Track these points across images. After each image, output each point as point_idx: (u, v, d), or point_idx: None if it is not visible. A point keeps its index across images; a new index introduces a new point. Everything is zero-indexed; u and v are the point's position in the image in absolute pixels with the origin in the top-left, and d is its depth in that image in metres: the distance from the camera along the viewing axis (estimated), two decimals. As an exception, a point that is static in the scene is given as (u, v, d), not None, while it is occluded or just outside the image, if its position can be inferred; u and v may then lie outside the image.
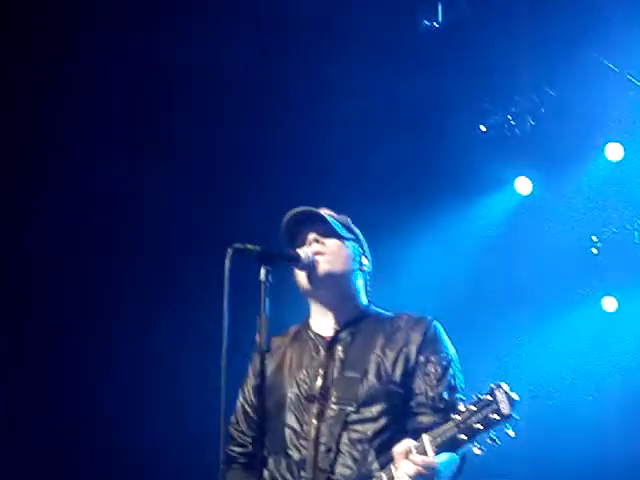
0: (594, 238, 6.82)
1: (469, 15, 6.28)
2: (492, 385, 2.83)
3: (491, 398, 2.80)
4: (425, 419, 3.21)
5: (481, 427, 2.80)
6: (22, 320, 6.35)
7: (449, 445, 2.88)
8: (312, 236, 3.42)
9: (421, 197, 6.72)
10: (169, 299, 6.40)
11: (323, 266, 3.37)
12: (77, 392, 6.35)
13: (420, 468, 2.92)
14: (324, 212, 3.49)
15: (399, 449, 2.98)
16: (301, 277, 3.43)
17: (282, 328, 3.61)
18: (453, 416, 2.86)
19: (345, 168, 6.60)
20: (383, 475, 3.05)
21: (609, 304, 6.85)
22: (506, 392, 2.80)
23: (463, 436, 2.83)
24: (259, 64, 6.29)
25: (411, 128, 6.62)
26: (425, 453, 2.91)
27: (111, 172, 6.34)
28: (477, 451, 2.86)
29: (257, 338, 3.09)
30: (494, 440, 2.83)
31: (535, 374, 6.42)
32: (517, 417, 2.79)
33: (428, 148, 6.71)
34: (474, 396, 2.86)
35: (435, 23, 5.99)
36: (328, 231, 3.43)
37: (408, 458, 2.94)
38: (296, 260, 3.37)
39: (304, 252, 3.38)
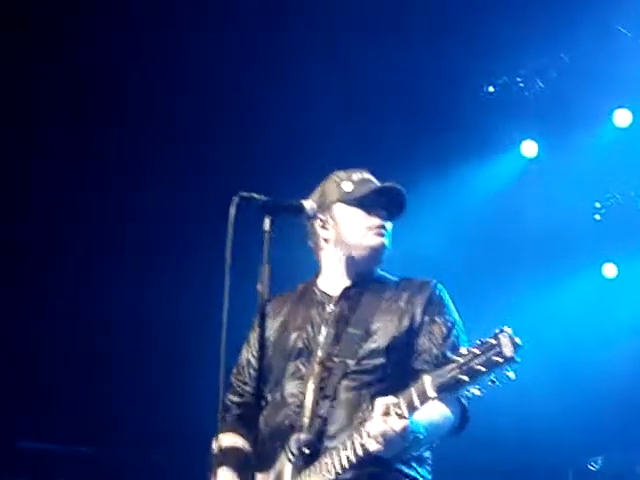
0: (597, 204, 6.81)
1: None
2: (496, 330, 2.84)
3: (495, 342, 2.81)
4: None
5: (483, 369, 2.81)
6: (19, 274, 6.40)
7: (450, 386, 2.89)
8: (384, 212, 3.46)
9: (427, 157, 6.70)
10: (174, 249, 6.44)
11: (384, 241, 3.45)
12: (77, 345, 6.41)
13: (389, 428, 2.95)
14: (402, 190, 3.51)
15: (380, 402, 3.01)
16: (353, 237, 3.45)
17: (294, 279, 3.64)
18: (456, 358, 2.88)
19: (355, 127, 6.59)
20: (363, 429, 3.06)
21: (609, 270, 6.88)
22: (510, 336, 2.81)
23: (465, 377, 2.84)
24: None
25: (420, 88, 6.59)
26: (425, 393, 2.93)
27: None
28: (476, 392, 2.87)
29: (259, 288, 3.10)
30: (494, 382, 2.84)
31: (535, 336, 6.43)
32: (519, 360, 2.80)
33: (435, 109, 6.68)
34: (478, 340, 2.86)
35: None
36: (395, 212, 3.50)
37: (383, 416, 2.97)
38: (300, 211, 3.36)
39: (309, 203, 3.38)
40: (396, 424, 2.96)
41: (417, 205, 6.47)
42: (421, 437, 3.06)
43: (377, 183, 3.51)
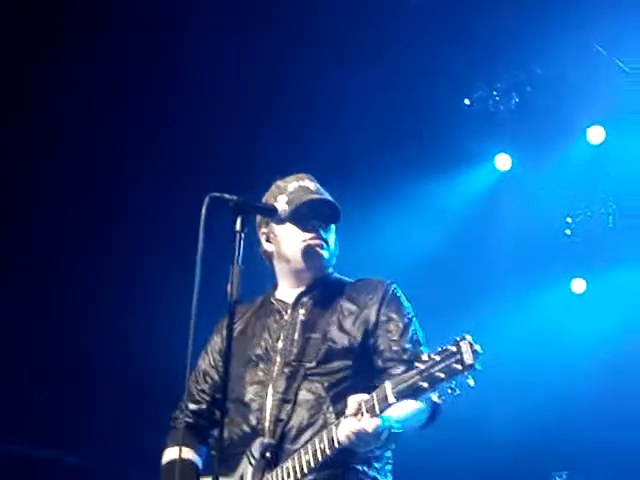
0: (569, 219, 6.86)
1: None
2: (457, 337, 2.86)
3: (455, 349, 2.83)
4: (393, 372, 3.24)
5: (443, 376, 2.83)
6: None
7: (410, 392, 2.91)
8: (318, 222, 3.46)
9: (400, 168, 6.71)
10: (146, 248, 6.40)
11: (322, 253, 3.45)
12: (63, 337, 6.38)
13: (361, 427, 2.97)
14: (331, 199, 3.51)
15: (352, 400, 3.03)
16: (291, 252, 3.47)
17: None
18: (417, 364, 2.90)
19: (328, 135, 6.58)
20: (324, 433, 3.09)
21: (578, 286, 6.91)
22: (470, 343, 2.83)
23: (425, 384, 2.86)
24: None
25: (394, 99, 6.60)
26: (386, 399, 2.94)
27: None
28: (436, 399, 2.92)
29: (228, 288, 3.09)
30: (453, 390, 2.86)
31: (502, 351, 6.47)
32: (479, 368, 2.80)
33: (410, 120, 6.69)
34: (439, 347, 2.88)
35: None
36: (330, 220, 3.50)
37: (357, 414, 2.99)
38: (273, 212, 3.38)
39: (281, 205, 3.39)
40: (368, 423, 2.96)
41: (389, 216, 6.63)
42: (396, 431, 3.07)
43: (312, 190, 3.48)
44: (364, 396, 3.01)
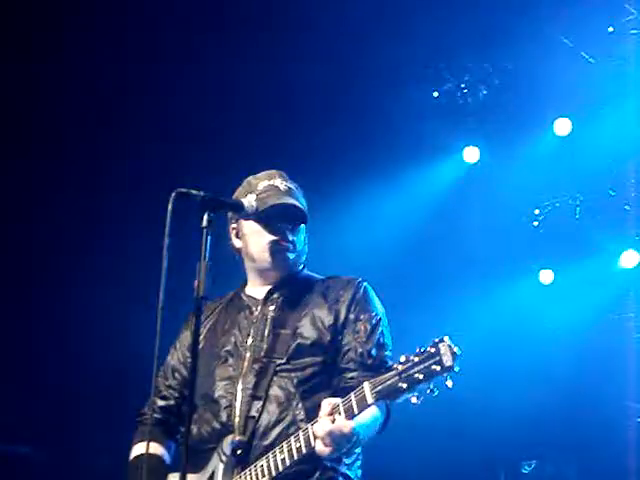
0: (536, 211, 6.90)
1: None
2: (435, 339, 2.87)
3: (434, 350, 2.84)
4: (353, 375, 3.27)
5: (422, 377, 2.84)
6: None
7: (388, 393, 2.92)
8: (285, 225, 3.44)
9: (368, 162, 6.73)
10: (111, 242, 6.38)
11: (287, 255, 3.45)
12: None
13: (336, 428, 2.96)
14: (298, 204, 3.48)
15: (326, 403, 3.03)
16: (256, 252, 3.46)
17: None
18: (395, 365, 2.91)
19: (295, 131, 6.58)
20: (300, 432, 3.09)
21: (546, 276, 6.97)
22: (449, 345, 2.84)
23: (404, 385, 2.87)
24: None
25: (363, 91, 6.61)
26: (364, 399, 2.95)
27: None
28: (414, 400, 2.90)
29: (195, 284, 3.08)
30: (432, 390, 2.87)
31: (470, 343, 6.49)
32: (458, 369, 2.82)
33: (378, 113, 6.71)
34: (417, 348, 2.88)
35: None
36: (298, 221, 3.48)
37: (330, 415, 2.99)
38: (240, 208, 3.36)
39: (248, 201, 3.38)
40: (343, 425, 2.97)
41: (357, 209, 6.64)
42: (360, 438, 3.08)
43: (282, 190, 3.45)
44: (338, 400, 3.00)
